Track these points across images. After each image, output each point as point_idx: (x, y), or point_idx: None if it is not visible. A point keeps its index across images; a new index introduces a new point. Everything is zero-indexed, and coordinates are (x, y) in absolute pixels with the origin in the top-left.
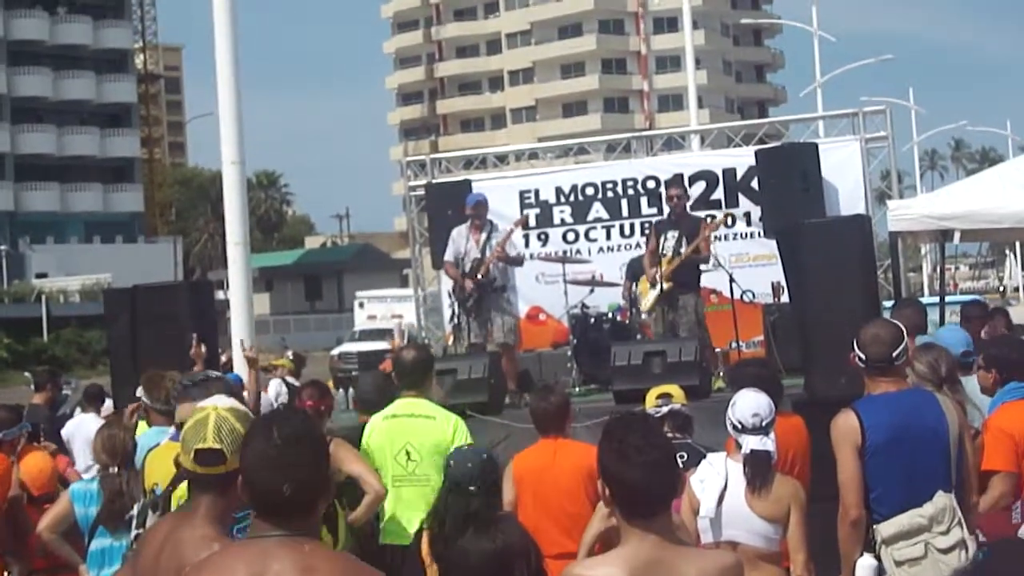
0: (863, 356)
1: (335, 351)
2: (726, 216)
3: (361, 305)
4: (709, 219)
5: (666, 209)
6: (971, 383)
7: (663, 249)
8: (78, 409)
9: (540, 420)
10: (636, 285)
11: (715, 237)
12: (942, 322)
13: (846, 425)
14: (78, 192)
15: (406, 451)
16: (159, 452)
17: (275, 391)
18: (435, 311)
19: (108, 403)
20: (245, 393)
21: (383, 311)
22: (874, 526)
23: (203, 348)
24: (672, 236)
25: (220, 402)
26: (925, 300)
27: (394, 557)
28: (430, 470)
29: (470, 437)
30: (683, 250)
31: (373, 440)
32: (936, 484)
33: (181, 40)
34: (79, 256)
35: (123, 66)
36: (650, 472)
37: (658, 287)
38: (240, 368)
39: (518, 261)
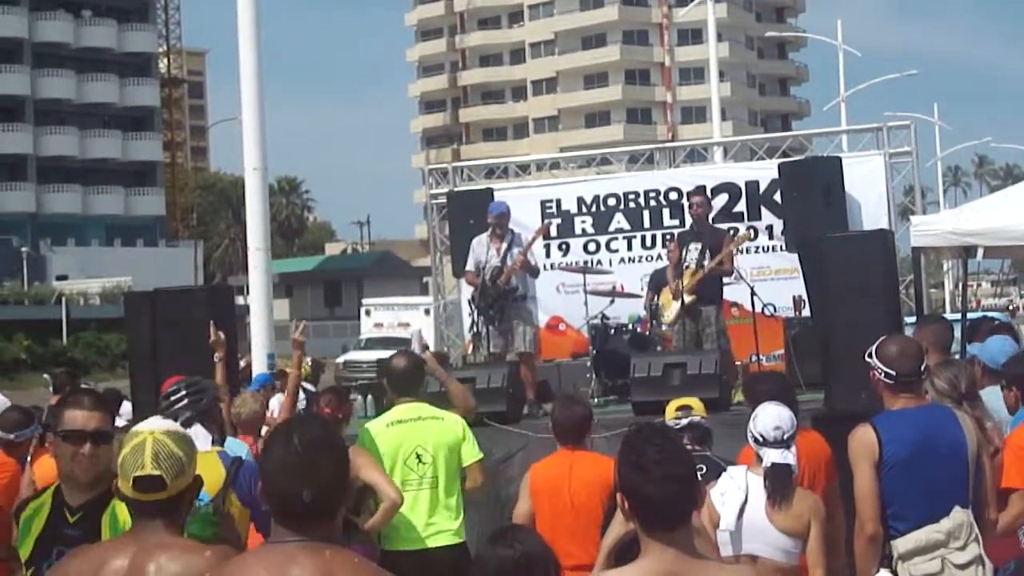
0: (890, 371)
1: (340, 359)
2: (749, 230)
3: (368, 313)
4: (733, 232)
5: (688, 220)
6: (994, 399)
7: (686, 261)
8: None
9: (561, 430)
10: (657, 297)
11: (737, 250)
12: (963, 338)
13: (864, 440)
14: (100, 195)
15: (416, 454)
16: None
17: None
18: (454, 319)
19: (127, 406)
20: (277, 396)
21: (390, 319)
22: (891, 541)
23: (221, 335)
24: (695, 248)
25: (156, 425)
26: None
27: (404, 563)
28: (442, 471)
29: (474, 438)
30: (706, 262)
31: (380, 445)
32: (953, 500)
33: (205, 44)
34: (100, 259)
35: (147, 70)
36: (669, 485)
37: (680, 299)
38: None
39: (536, 272)
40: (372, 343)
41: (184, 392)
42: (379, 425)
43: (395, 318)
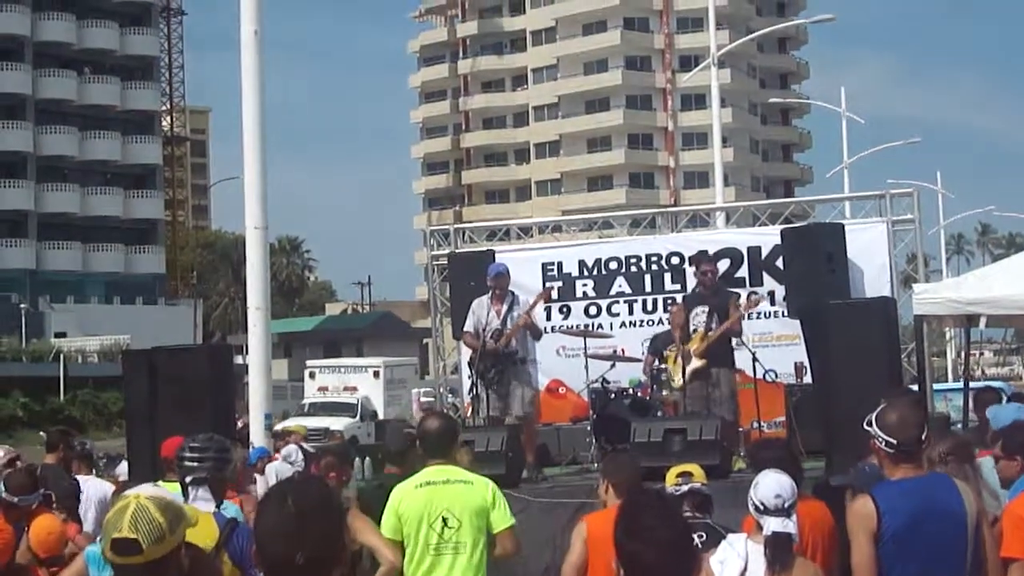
0: (891, 440)
1: (278, 426)
2: (750, 295)
3: (312, 375)
4: (751, 295)
5: (691, 284)
6: (987, 468)
7: (693, 324)
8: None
9: (622, 483)
10: (658, 360)
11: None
12: (965, 407)
13: (862, 511)
14: (100, 252)
15: (443, 518)
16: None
17: (292, 456)
18: (454, 382)
19: (123, 465)
20: (273, 464)
21: (335, 382)
22: None
23: None
24: (702, 311)
25: (144, 490)
26: (949, 385)
27: None
28: (468, 537)
29: (507, 504)
30: (715, 326)
31: (405, 508)
32: (952, 572)
33: (208, 103)
34: (99, 316)
35: (149, 127)
36: (665, 552)
37: (690, 362)
38: (258, 436)
39: (537, 334)
40: (315, 408)
41: (211, 456)
42: (408, 486)
43: (341, 381)
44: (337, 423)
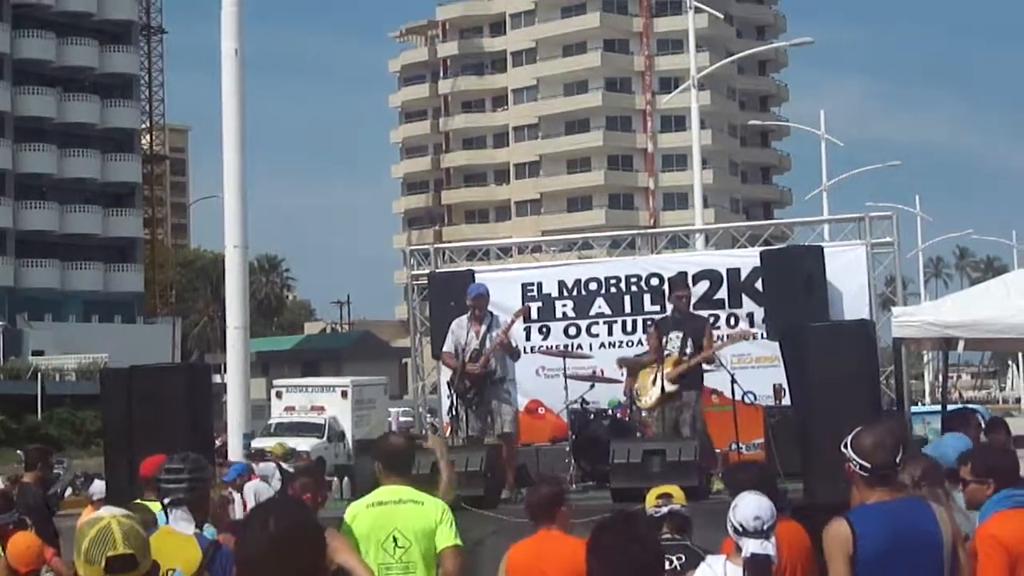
0: (866, 464)
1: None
2: (731, 317)
3: (279, 395)
4: (732, 319)
5: (669, 307)
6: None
7: (667, 348)
8: (69, 490)
9: (531, 511)
10: (636, 381)
11: (717, 337)
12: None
13: (838, 535)
14: (78, 270)
15: (393, 538)
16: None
17: (270, 475)
18: (432, 401)
19: (100, 484)
20: (253, 482)
21: (303, 402)
22: None
23: None
24: (676, 336)
25: (114, 511)
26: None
27: None
28: (416, 557)
29: (455, 524)
30: (688, 350)
31: (358, 527)
32: None
33: (188, 121)
34: (77, 335)
35: (129, 146)
36: (636, 574)
37: (660, 386)
38: (236, 455)
39: (515, 354)
40: (281, 429)
41: (186, 476)
42: (360, 506)
43: (308, 401)
44: (304, 443)
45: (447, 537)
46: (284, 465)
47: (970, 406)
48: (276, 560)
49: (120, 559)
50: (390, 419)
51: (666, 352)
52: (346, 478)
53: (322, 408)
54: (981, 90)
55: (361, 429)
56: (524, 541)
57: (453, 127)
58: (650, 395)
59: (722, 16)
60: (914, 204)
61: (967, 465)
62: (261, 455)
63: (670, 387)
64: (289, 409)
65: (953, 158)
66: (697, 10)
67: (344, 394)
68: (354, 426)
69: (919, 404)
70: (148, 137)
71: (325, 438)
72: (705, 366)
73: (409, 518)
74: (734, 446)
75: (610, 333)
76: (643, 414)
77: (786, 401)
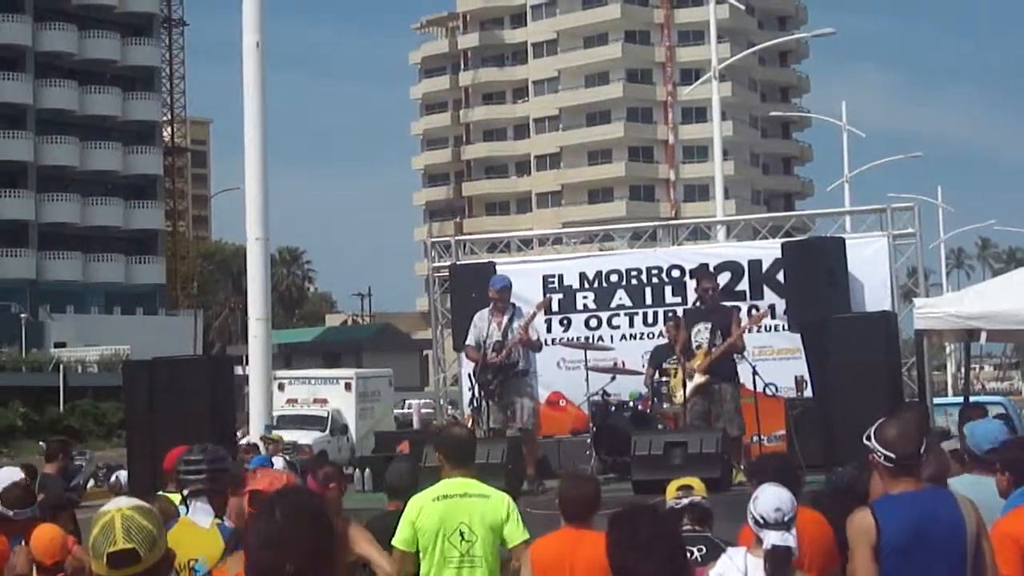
0: (891, 455)
1: (244, 440)
2: (751, 309)
3: (281, 387)
4: (752, 310)
5: (691, 298)
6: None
7: (697, 341)
8: (92, 481)
9: (571, 507)
10: (659, 373)
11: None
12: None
13: (862, 525)
14: (100, 262)
15: (460, 531)
16: (184, 526)
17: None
18: (453, 393)
19: (122, 474)
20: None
21: (305, 395)
22: None
23: None
24: (704, 328)
25: (122, 503)
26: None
27: None
28: (484, 550)
29: (521, 517)
30: (718, 342)
31: (424, 521)
32: None
33: (209, 114)
34: (99, 326)
35: (150, 138)
36: (656, 564)
37: (693, 379)
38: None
39: (537, 347)
40: (284, 421)
41: (206, 467)
42: (424, 499)
43: (311, 393)
44: (306, 436)
45: (518, 533)
46: (287, 457)
47: (994, 398)
48: (282, 548)
49: (121, 554)
50: (411, 411)
51: (695, 344)
52: (368, 469)
53: (325, 400)
54: (1004, 81)
55: (365, 422)
56: (550, 536)
57: (474, 119)
58: (682, 389)
59: (743, 7)
60: (936, 195)
61: (995, 456)
62: (255, 449)
63: (701, 378)
64: (291, 401)
65: (975, 149)
66: (718, 1)
67: (348, 386)
68: (358, 419)
69: (942, 395)
70: (170, 129)
71: (328, 431)
72: (736, 356)
73: (476, 512)
74: (755, 438)
75: (631, 325)
76: (664, 406)
77: (808, 393)
